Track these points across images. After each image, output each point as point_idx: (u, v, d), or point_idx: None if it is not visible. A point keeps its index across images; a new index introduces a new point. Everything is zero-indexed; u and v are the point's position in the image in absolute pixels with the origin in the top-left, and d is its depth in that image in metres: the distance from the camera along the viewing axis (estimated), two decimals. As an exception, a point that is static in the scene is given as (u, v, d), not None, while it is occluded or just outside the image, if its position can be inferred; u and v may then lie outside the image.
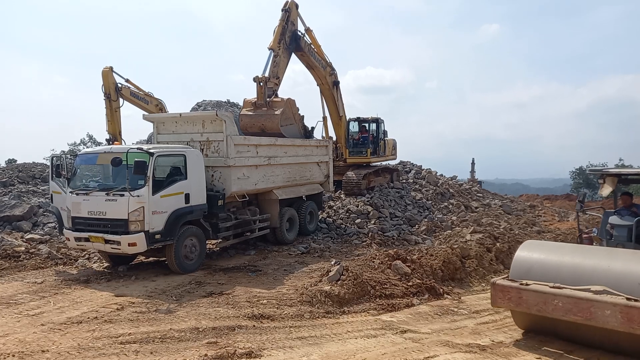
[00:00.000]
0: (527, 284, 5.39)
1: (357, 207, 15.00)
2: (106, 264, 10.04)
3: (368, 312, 6.93)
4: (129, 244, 8.44)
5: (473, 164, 29.35)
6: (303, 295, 7.39)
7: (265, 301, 7.35)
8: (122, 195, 8.49)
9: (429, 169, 20.93)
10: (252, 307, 7.02)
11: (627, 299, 4.72)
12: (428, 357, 5.33)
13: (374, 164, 17.82)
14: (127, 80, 16.26)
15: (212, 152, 10.39)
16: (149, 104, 16.60)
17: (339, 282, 7.45)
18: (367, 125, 18.20)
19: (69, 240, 9.21)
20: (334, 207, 15.45)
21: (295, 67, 15.90)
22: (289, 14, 13.76)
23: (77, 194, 9.01)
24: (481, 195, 19.73)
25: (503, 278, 5.77)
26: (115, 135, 16.11)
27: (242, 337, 5.86)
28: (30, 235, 12.05)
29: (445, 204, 16.84)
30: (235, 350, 5.38)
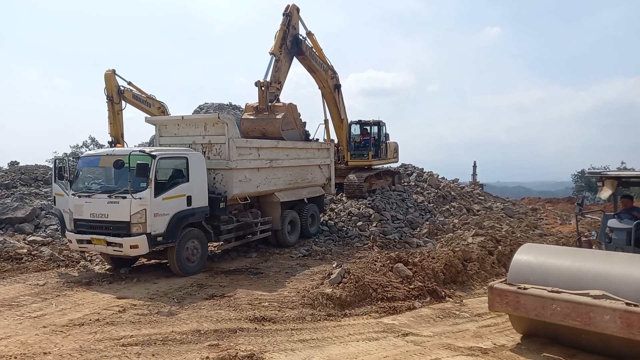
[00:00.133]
0: (525, 288, 5.29)
1: (359, 209, 15.00)
2: (108, 266, 10.06)
3: (370, 315, 6.92)
4: (131, 246, 8.46)
5: (475, 166, 29.34)
6: (305, 298, 7.39)
7: (266, 304, 7.35)
8: (124, 197, 8.51)
9: (431, 171, 20.93)
10: (253, 310, 7.02)
11: (627, 304, 4.64)
12: (430, 360, 5.33)
13: (375, 166, 17.83)
14: (129, 83, 16.30)
15: (214, 155, 10.42)
16: (152, 106, 16.63)
17: (340, 285, 7.44)
18: (368, 128, 18.22)
19: (71, 242, 9.24)
20: (336, 210, 15.45)
21: (297, 69, 15.95)
22: (290, 18, 13.78)
23: (79, 196, 9.04)
24: (483, 198, 19.72)
25: (501, 282, 5.69)
26: (117, 138, 16.14)
27: (243, 340, 5.86)
28: (32, 238, 12.09)
29: (447, 206, 16.83)
30: (237, 353, 5.38)
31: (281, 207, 11.89)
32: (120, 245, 8.51)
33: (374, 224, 14.09)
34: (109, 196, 8.70)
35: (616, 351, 5.06)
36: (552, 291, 5.09)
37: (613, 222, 6.75)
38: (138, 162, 8.39)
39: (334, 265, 8.20)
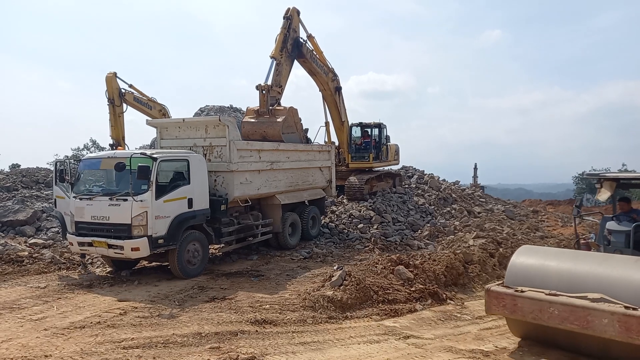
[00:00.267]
0: (522, 291, 5.21)
1: (360, 212, 14.99)
2: (109, 269, 10.06)
3: (371, 318, 6.91)
4: (132, 249, 8.46)
5: (475, 169, 29.32)
6: (305, 301, 7.39)
7: (267, 306, 7.35)
8: (126, 200, 8.52)
9: (432, 174, 20.93)
10: (254, 312, 7.02)
11: (625, 307, 4.56)
12: (431, 362, 5.32)
13: (376, 169, 17.83)
14: (130, 86, 16.35)
15: (215, 157, 10.43)
16: (153, 109, 16.67)
17: (341, 287, 7.43)
18: (369, 130, 18.22)
19: (72, 245, 9.24)
20: (337, 212, 15.45)
21: (298, 72, 15.98)
22: (291, 21, 13.80)
23: (80, 199, 9.05)
24: (484, 200, 19.70)
25: (498, 284, 5.58)
26: (118, 140, 16.18)
27: (244, 342, 5.86)
28: (33, 240, 12.10)
29: (448, 209, 16.81)
30: (238, 356, 5.38)
31: (282, 210, 11.89)
32: (122, 247, 8.51)
33: (375, 227, 14.08)
34: (110, 199, 8.71)
35: (615, 355, 4.98)
36: (549, 294, 5.02)
37: (611, 225, 6.68)
38: (139, 164, 8.40)
39: (335, 268, 8.19)
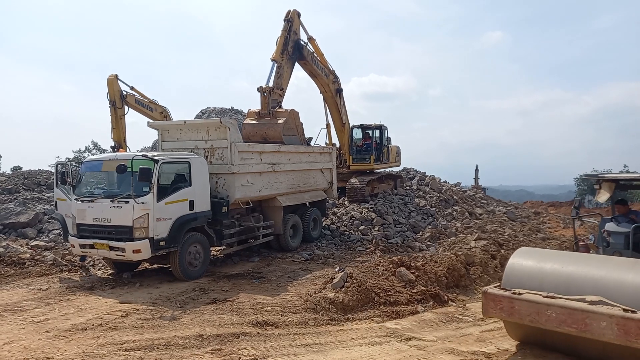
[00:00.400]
0: (519, 293, 5.12)
1: (361, 213, 14.99)
2: (111, 271, 10.07)
3: (372, 320, 6.90)
4: (134, 251, 8.47)
5: (477, 170, 29.32)
6: (307, 302, 7.38)
7: (269, 308, 7.34)
8: (127, 202, 8.52)
9: (433, 175, 20.92)
10: (256, 314, 7.02)
11: (624, 310, 4.48)
12: (433, 364, 5.31)
13: (377, 170, 17.82)
14: (132, 88, 16.39)
15: (216, 159, 10.44)
16: (154, 111, 16.70)
17: (343, 289, 7.43)
18: (370, 132, 18.22)
19: (74, 247, 9.25)
20: (338, 214, 15.44)
21: (299, 74, 16.01)
22: (291, 23, 13.81)
23: (82, 201, 9.06)
24: (485, 201, 19.68)
25: (495, 287, 5.50)
26: (120, 143, 16.21)
27: (246, 344, 5.85)
28: (35, 242, 12.11)
29: (449, 210, 16.80)
30: (240, 358, 5.38)
31: (283, 211, 11.89)
32: (123, 249, 8.51)
33: (376, 228, 14.07)
34: (112, 201, 8.72)
35: (614, 359, 4.91)
36: (547, 296, 4.93)
37: (610, 226, 6.63)
38: (140, 166, 8.41)
39: (336, 270, 8.19)
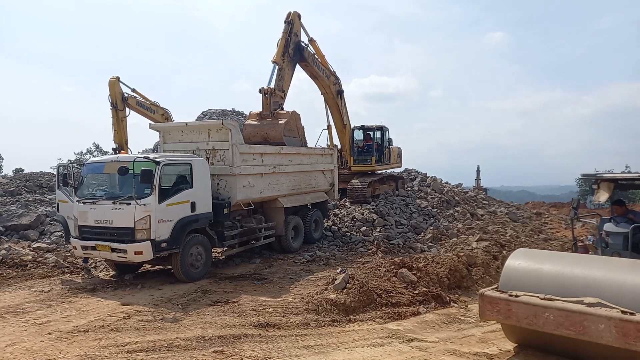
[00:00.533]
0: (516, 296, 5.02)
1: (363, 215, 14.99)
2: (112, 273, 10.08)
3: (374, 321, 6.89)
4: (135, 253, 8.48)
5: (478, 171, 29.30)
6: (309, 304, 7.37)
7: (271, 309, 7.34)
8: (129, 204, 8.54)
9: (434, 176, 20.91)
10: (258, 316, 7.01)
11: (623, 312, 4.39)
12: (435, 365, 5.30)
13: (378, 171, 17.82)
14: (133, 90, 16.41)
15: (217, 161, 10.45)
16: (155, 113, 16.73)
17: (344, 291, 7.42)
18: (371, 133, 18.23)
19: (76, 248, 9.27)
20: (339, 215, 15.44)
21: (300, 75, 16.07)
22: (292, 25, 13.83)
23: (84, 203, 9.08)
24: (487, 202, 19.65)
25: (492, 289, 5.39)
26: (121, 144, 16.23)
27: (248, 346, 5.85)
28: (37, 244, 12.12)
29: (451, 211, 16.78)
30: (242, 359, 5.37)
31: (285, 213, 11.90)
32: (125, 251, 8.53)
33: (378, 229, 14.07)
34: (114, 203, 8.74)
35: None
36: (544, 299, 4.84)
37: (609, 226, 6.56)
38: (142, 168, 8.42)
39: (338, 271, 8.18)
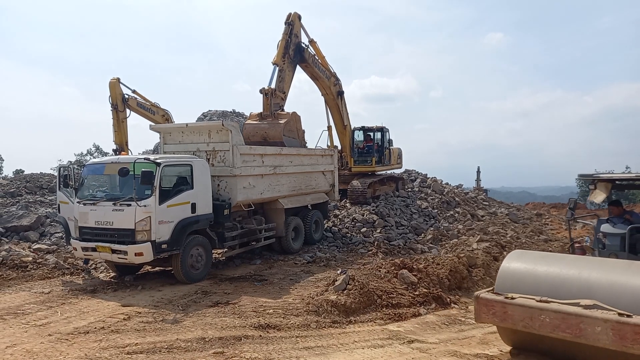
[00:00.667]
0: (512, 298, 4.94)
1: (363, 216, 14.98)
2: (113, 274, 10.07)
3: (375, 322, 6.89)
4: (136, 254, 8.48)
5: (478, 172, 29.26)
6: (309, 305, 7.36)
7: (271, 311, 7.34)
8: (129, 205, 8.54)
9: (435, 177, 20.91)
10: (258, 317, 7.01)
11: (619, 314, 4.32)
12: (436, 367, 5.29)
13: (379, 172, 17.82)
14: (133, 91, 16.41)
15: (218, 162, 10.45)
16: (156, 114, 16.72)
17: (345, 292, 7.42)
18: (372, 134, 18.23)
19: (76, 250, 9.27)
20: (340, 216, 15.44)
21: (301, 76, 16.07)
22: (292, 26, 13.84)
23: (84, 204, 9.08)
24: (487, 203, 19.65)
25: (488, 291, 5.32)
26: (122, 146, 16.22)
27: (248, 347, 5.85)
28: (37, 246, 12.12)
29: (451, 212, 16.78)
30: (242, 361, 5.37)
31: (285, 214, 11.89)
32: (125, 252, 8.53)
33: (378, 230, 14.06)
34: (114, 204, 8.74)
35: None
36: (540, 301, 4.76)
37: (606, 227, 6.49)
38: (143, 169, 8.43)
39: (338, 272, 8.18)
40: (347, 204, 16.29)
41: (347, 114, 17.13)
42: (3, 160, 39.80)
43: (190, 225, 9.19)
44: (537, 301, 4.79)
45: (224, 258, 11.37)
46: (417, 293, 7.82)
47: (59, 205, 10.90)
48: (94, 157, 35.04)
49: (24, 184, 17.33)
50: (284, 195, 11.99)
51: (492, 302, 5.09)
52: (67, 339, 6.21)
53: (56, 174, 12.48)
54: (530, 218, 17.88)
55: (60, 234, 12.61)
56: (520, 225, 15.93)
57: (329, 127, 16.80)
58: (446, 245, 12.86)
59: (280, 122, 12.52)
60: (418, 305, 7.55)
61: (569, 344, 4.76)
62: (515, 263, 5.42)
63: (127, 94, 16.18)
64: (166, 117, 16.92)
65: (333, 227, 14.67)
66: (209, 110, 28.11)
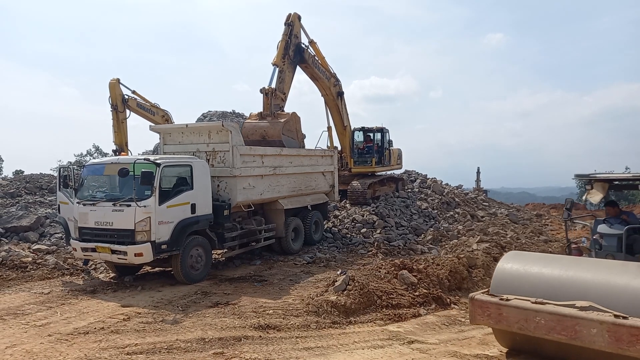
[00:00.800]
0: (507, 299, 4.88)
1: (363, 216, 14.98)
2: (112, 275, 10.07)
3: (375, 323, 6.89)
4: (136, 254, 8.48)
5: (478, 172, 29.27)
6: (309, 306, 7.36)
7: (271, 311, 7.33)
8: (129, 205, 8.54)
9: (434, 178, 20.91)
10: (258, 318, 7.01)
11: (615, 316, 4.26)
12: (436, 367, 5.29)
13: (379, 173, 17.82)
14: (133, 92, 16.41)
15: (218, 162, 10.45)
16: (156, 115, 16.72)
17: (345, 292, 7.42)
18: (371, 134, 18.23)
19: (76, 250, 9.27)
20: (340, 217, 15.43)
21: (300, 77, 16.07)
22: (292, 27, 13.85)
23: (84, 205, 9.08)
24: (487, 204, 19.66)
25: (483, 292, 5.26)
26: (121, 146, 16.22)
27: (248, 348, 5.84)
28: (37, 246, 12.11)
29: (451, 213, 16.78)
30: (242, 361, 5.37)
31: (285, 215, 11.89)
32: (125, 253, 8.53)
33: (378, 231, 14.06)
34: (114, 204, 8.74)
35: None
36: (535, 302, 4.71)
37: (603, 228, 6.44)
38: (142, 170, 8.43)
39: (338, 273, 8.18)
40: (347, 205, 16.29)
41: (347, 114, 17.14)
42: (3, 160, 39.80)
43: (190, 225, 9.19)
44: (533, 303, 4.75)
45: (223, 259, 11.36)
46: (417, 294, 7.82)
47: (58, 205, 10.90)
48: (94, 158, 35.03)
49: (23, 184, 17.33)
50: (284, 196, 11.99)
51: (487, 303, 5.04)
52: (66, 340, 6.21)
53: (56, 174, 12.48)
54: (530, 219, 17.88)
55: (60, 235, 12.60)
56: (520, 226, 15.94)
57: (329, 128, 16.81)
58: (446, 246, 12.85)
59: (280, 121, 12.53)
60: (418, 305, 7.55)
61: (565, 346, 4.71)
62: (510, 264, 5.38)
63: (127, 95, 16.18)
64: (166, 117, 16.92)
65: (333, 228, 14.67)
66: (209, 111, 28.12)
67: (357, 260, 11.59)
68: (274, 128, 12.37)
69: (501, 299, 4.96)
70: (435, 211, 16.60)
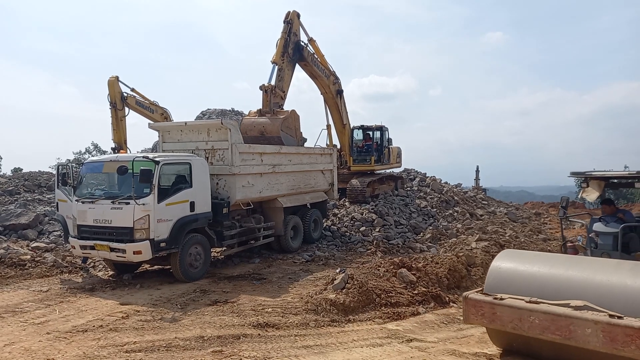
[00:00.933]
0: (501, 299, 4.83)
1: (362, 214, 14.98)
2: (111, 272, 10.06)
3: (373, 321, 6.89)
4: (134, 252, 8.47)
5: (477, 171, 29.29)
6: (308, 304, 7.36)
7: (270, 309, 7.33)
8: (128, 203, 8.53)
9: (434, 176, 20.92)
10: (257, 316, 7.01)
11: (610, 315, 4.21)
12: (434, 366, 5.29)
13: (378, 171, 17.82)
14: (132, 90, 16.38)
15: (217, 160, 10.44)
16: (155, 112, 16.70)
17: (344, 291, 7.41)
18: (371, 133, 18.23)
19: (75, 248, 9.26)
20: (339, 215, 15.43)
21: (300, 75, 16.07)
22: (291, 25, 13.82)
23: (83, 202, 9.07)
24: (486, 202, 19.67)
25: (477, 291, 5.21)
26: (120, 144, 16.20)
27: (247, 346, 5.84)
28: (35, 244, 12.10)
29: (450, 211, 16.79)
30: (241, 359, 5.36)
31: (284, 213, 11.89)
32: (124, 251, 8.51)
33: (377, 229, 14.06)
34: (113, 202, 8.72)
35: None
36: (530, 302, 4.66)
37: (598, 226, 6.43)
38: (141, 168, 8.41)
39: (337, 271, 8.17)
40: (346, 203, 16.29)
41: (346, 112, 17.13)
42: (1, 158, 39.70)
43: (189, 223, 9.18)
44: (527, 302, 4.70)
45: (222, 257, 11.36)
46: (416, 292, 7.82)
47: (57, 203, 10.88)
48: (93, 156, 34.98)
49: (22, 182, 17.30)
50: (283, 194, 11.99)
51: (480, 302, 5.00)
52: (65, 337, 6.20)
53: (55, 172, 12.45)
54: (529, 217, 17.89)
55: (59, 232, 12.59)
56: (519, 225, 15.95)
57: (328, 126, 16.80)
58: (445, 244, 12.86)
59: (279, 117, 12.52)
60: (417, 304, 7.55)
61: (559, 346, 4.67)
62: (505, 263, 5.33)
63: (126, 93, 16.16)
64: (165, 115, 16.90)
65: (332, 226, 14.67)
66: (208, 109, 28.08)
67: (356, 259, 11.60)
68: (272, 124, 12.35)
69: (495, 298, 4.92)
70: (435, 210, 16.61)
